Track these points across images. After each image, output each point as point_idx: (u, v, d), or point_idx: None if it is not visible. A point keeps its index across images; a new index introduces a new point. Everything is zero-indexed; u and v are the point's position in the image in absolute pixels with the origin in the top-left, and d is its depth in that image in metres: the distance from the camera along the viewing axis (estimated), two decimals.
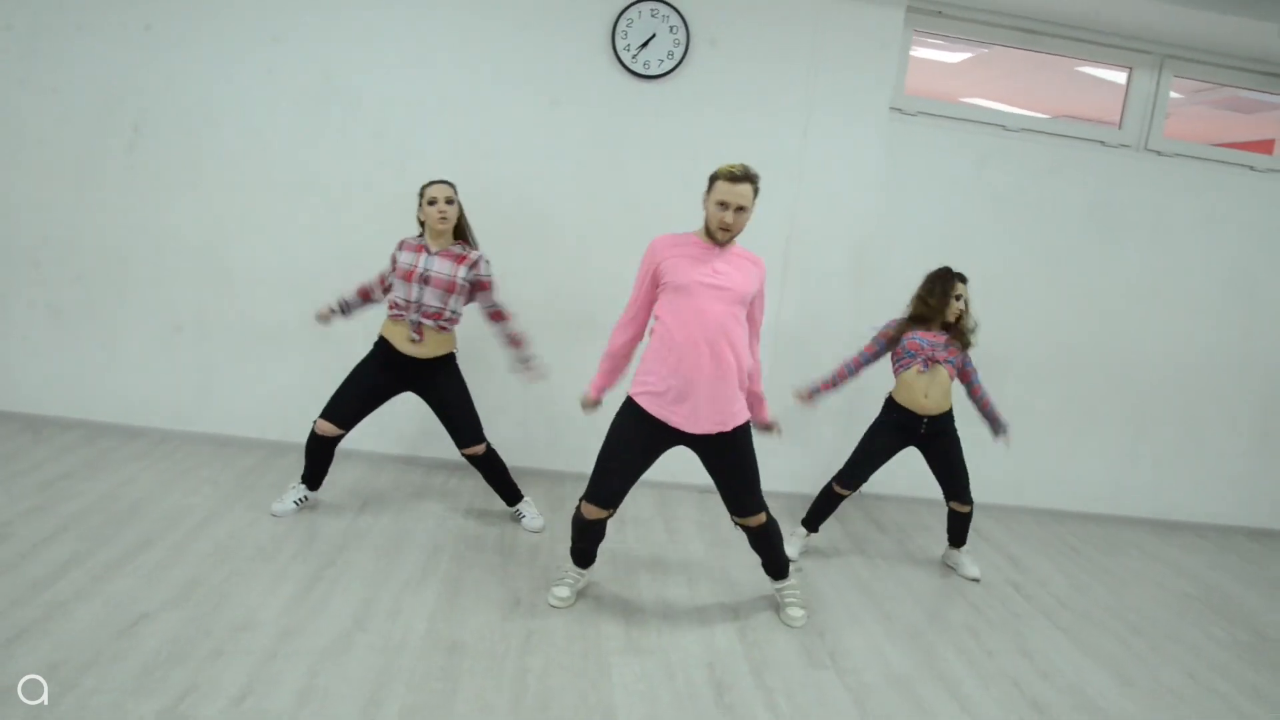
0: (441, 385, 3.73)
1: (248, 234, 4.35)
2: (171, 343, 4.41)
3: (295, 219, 4.36)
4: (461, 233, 3.70)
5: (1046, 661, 3.36)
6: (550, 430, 4.65)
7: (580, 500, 3.24)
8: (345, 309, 3.80)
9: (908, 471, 4.84)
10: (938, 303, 3.84)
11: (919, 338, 3.85)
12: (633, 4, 4.24)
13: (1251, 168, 4.85)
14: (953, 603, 3.79)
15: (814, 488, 4.38)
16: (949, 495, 4.02)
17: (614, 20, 4.27)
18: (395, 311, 3.64)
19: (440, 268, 3.59)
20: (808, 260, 4.61)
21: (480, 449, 3.82)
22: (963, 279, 3.88)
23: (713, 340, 3.01)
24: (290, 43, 4.25)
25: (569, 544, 3.40)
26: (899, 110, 4.60)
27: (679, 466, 4.64)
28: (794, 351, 4.65)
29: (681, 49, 4.31)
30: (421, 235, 3.68)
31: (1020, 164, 4.72)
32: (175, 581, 3.08)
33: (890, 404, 3.99)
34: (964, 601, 3.81)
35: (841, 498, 4.02)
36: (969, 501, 4.01)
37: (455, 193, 3.63)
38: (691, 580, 3.67)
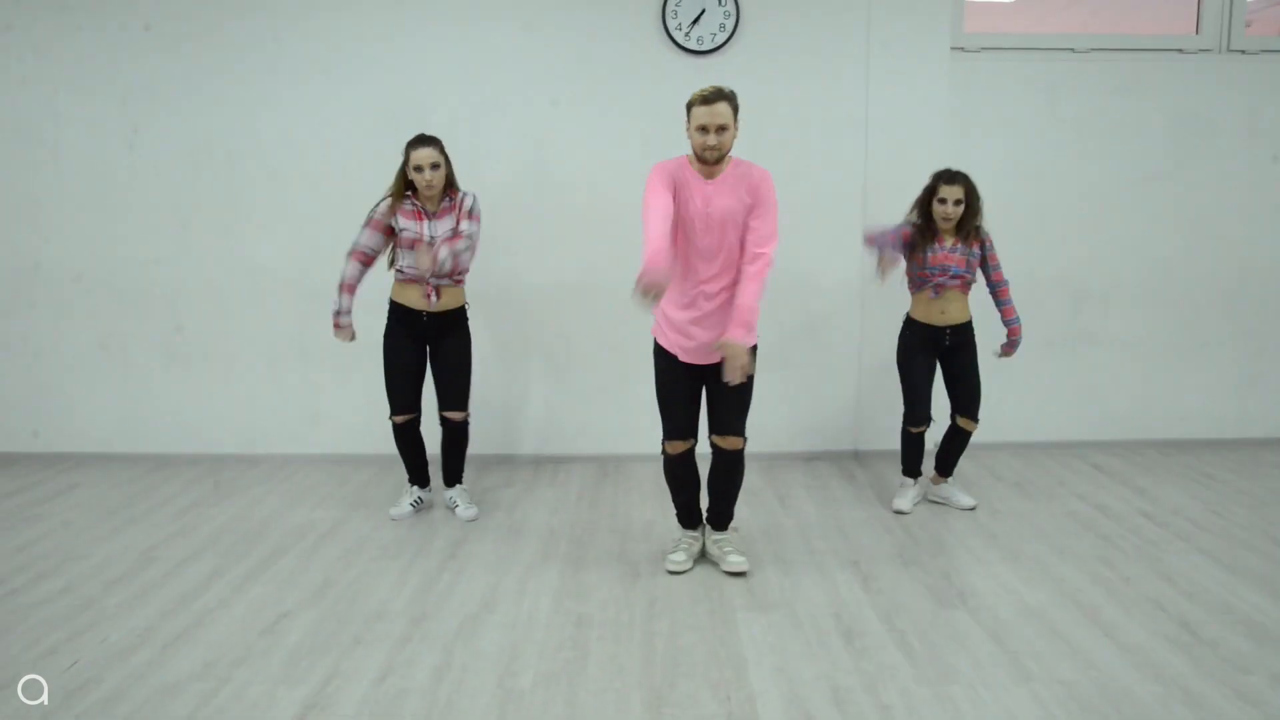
0: (450, 341, 3.76)
1: (335, 258, 4.52)
2: (278, 372, 4.61)
3: None
4: (450, 181, 3.66)
5: (1190, 583, 3.22)
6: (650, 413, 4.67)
7: (662, 444, 3.29)
8: (347, 309, 3.75)
9: (1017, 418, 4.74)
10: (922, 214, 3.77)
11: (930, 258, 3.74)
12: None
13: None
14: (1080, 538, 3.65)
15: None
16: (959, 409, 3.90)
17: (663, 2, 4.31)
18: (405, 276, 3.67)
19: (444, 228, 3.62)
20: (887, 212, 4.53)
21: (461, 416, 3.84)
22: (949, 179, 3.70)
23: (706, 278, 3.09)
24: (357, 72, 4.42)
25: (674, 514, 3.44)
26: (961, 49, 4.51)
27: (784, 437, 4.67)
28: (883, 309, 4.57)
29: (733, 20, 4.32)
30: (410, 196, 3.63)
31: (1095, 86, 4.56)
32: (309, 584, 3.22)
33: (909, 322, 3.92)
34: (1093, 535, 3.68)
35: (920, 434, 3.95)
36: (976, 420, 3.90)
37: (440, 152, 3.58)
38: (808, 539, 3.64)
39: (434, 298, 3.67)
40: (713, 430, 3.27)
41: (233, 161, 4.49)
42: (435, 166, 3.55)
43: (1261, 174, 4.67)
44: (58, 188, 4.52)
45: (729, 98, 3.00)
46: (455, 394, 3.81)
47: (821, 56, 4.42)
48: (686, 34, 4.33)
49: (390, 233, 3.67)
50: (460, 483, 4.00)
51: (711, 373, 3.16)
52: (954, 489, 4.03)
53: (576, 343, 4.63)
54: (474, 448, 4.04)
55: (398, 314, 3.75)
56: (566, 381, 4.67)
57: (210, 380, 4.63)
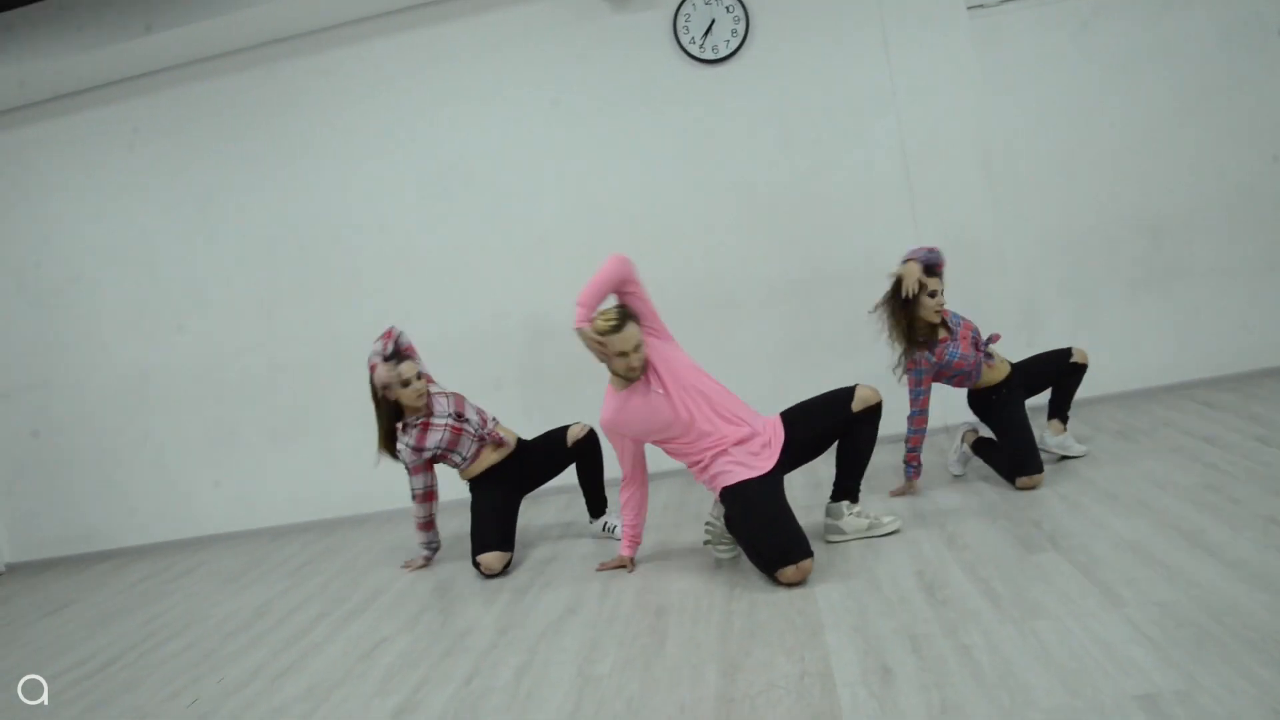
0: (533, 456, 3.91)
1: (412, 321, 4.77)
2: (373, 432, 4.86)
3: (441, 290, 4.77)
4: None
5: None
6: None
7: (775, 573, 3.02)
8: (433, 546, 3.93)
9: (1114, 369, 4.52)
10: (908, 314, 3.56)
11: (946, 358, 3.59)
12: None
13: None
14: (1186, 470, 3.44)
15: None
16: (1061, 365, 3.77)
17: (673, 19, 4.46)
18: (470, 463, 3.81)
19: (449, 407, 3.77)
20: (933, 187, 4.49)
21: (580, 428, 3.88)
22: (930, 271, 3.52)
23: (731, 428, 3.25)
24: (407, 139, 4.73)
25: None
26: (979, 5, 4.46)
27: None
28: (952, 280, 4.47)
29: (743, 25, 4.42)
30: (402, 422, 3.76)
31: (1128, 16, 4.41)
32: (405, 614, 3.36)
33: (972, 397, 3.83)
34: (1200, 465, 3.46)
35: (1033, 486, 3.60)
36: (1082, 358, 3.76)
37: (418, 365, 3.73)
38: (893, 509, 3.56)
39: (501, 443, 3.84)
40: (854, 398, 3.24)
41: (304, 242, 4.84)
42: (419, 376, 3.70)
43: None
44: (157, 295, 4.97)
45: (630, 318, 3.09)
46: (559, 433, 3.89)
47: (838, 43, 4.45)
48: (700, 45, 4.45)
49: (431, 464, 3.81)
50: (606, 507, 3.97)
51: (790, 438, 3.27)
52: (1067, 438, 3.82)
53: None
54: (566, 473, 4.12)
55: (485, 480, 3.84)
56: None
57: (312, 451, 4.92)
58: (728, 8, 4.41)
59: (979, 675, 2.22)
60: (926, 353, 3.58)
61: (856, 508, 3.33)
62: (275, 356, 4.91)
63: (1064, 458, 3.81)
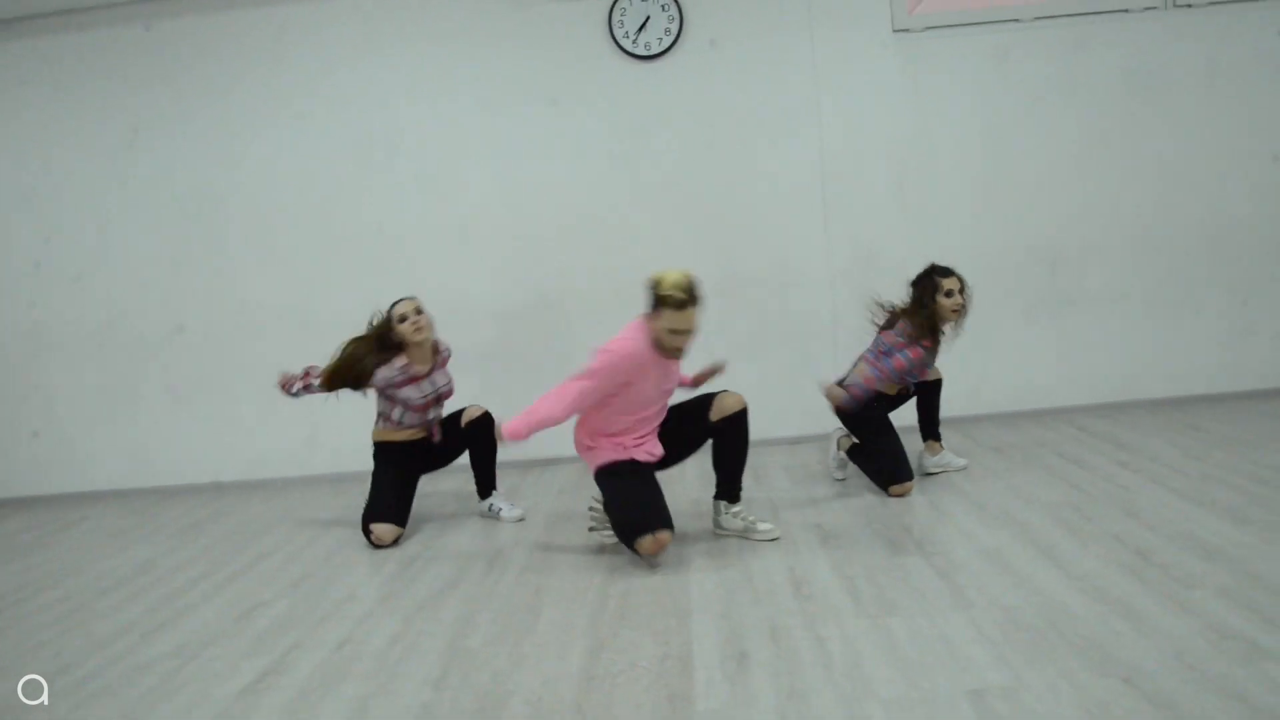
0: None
1: (326, 286, 4.75)
2: (276, 399, 4.81)
3: (357, 264, 4.74)
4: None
5: (1154, 517, 3.20)
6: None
7: (641, 542, 3.14)
8: (305, 388, 3.86)
9: (1001, 388, 4.74)
10: (930, 308, 3.73)
11: (901, 357, 3.73)
12: None
13: None
14: (1051, 486, 3.65)
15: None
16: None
17: (609, 12, 4.52)
18: (404, 427, 3.79)
19: (442, 378, 3.81)
20: (848, 199, 4.65)
21: (479, 409, 3.90)
22: (946, 272, 3.75)
23: (649, 417, 3.36)
24: (335, 104, 4.69)
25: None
26: (905, 30, 4.62)
27: (765, 424, 4.72)
28: (846, 289, 4.65)
29: (677, 25, 4.50)
30: (396, 359, 3.67)
31: (1045, 51, 4.63)
32: (288, 578, 3.37)
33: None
34: (1064, 484, 3.67)
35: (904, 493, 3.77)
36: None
37: (419, 303, 3.72)
38: (776, 509, 3.69)
39: (438, 437, 3.88)
40: (713, 406, 3.31)
41: (220, 202, 4.76)
42: (419, 311, 3.68)
43: (1225, 121, 4.67)
44: (61, 243, 4.83)
45: (700, 301, 3.13)
46: (454, 414, 3.91)
47: (767, 52, 4.57)
48: (634, 41, 4.52)
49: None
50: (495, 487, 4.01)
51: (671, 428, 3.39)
52: (945, 455, 4.02)
53: (547, 349, 4.75)
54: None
55: (391, 448, 3.81)
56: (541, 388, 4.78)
57: (210, 413, 4.86)
58: (663, 6, 4.48)
59: (829, 665, 2.35)
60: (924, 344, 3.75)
61: (735, 508, 3.42)
62: (179, 315, 4.82)
63: (946, 471, 4.00)
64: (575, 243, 4.67)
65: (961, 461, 4.02)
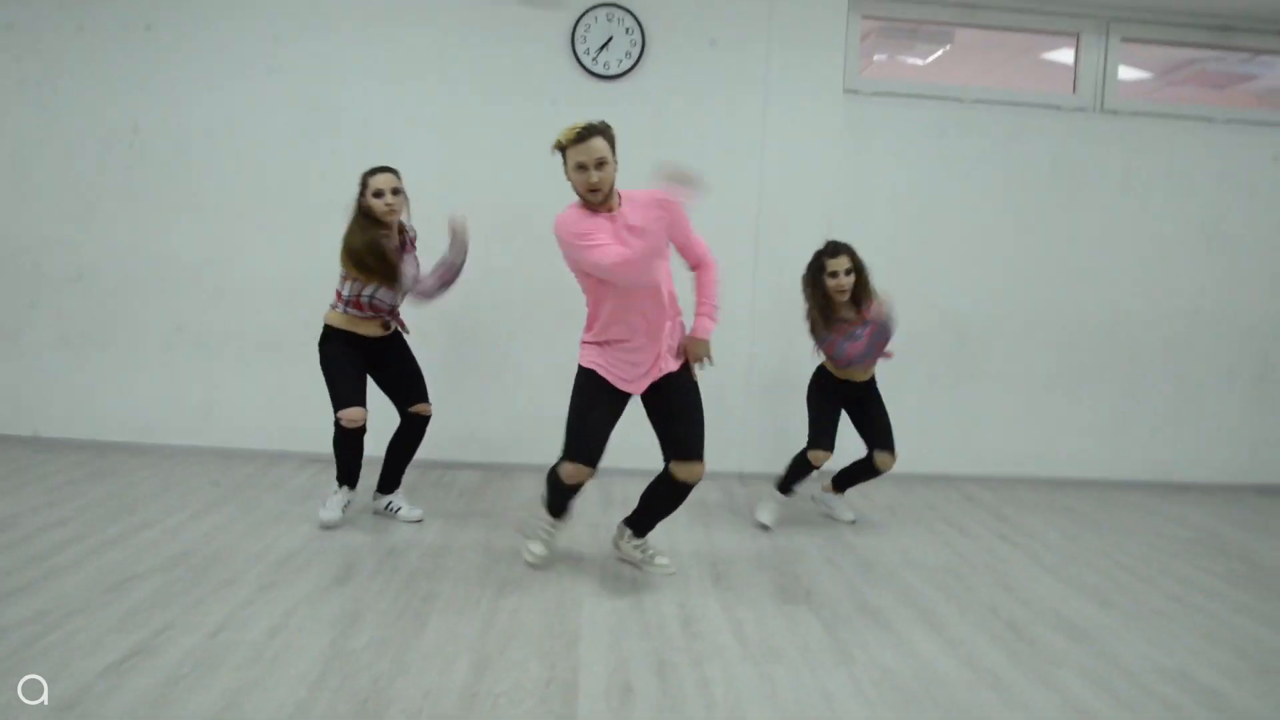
0: (396, 352, 3.74)
1: (241, 254, 4.60)
2: (174, 361, 4.64)
3: (287, 232, 4.59)
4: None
5: (1027, 592, 3.37)
6: (539, 428, 4.75)
7: (559, 462, 3.16)
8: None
9: (902, 450, 4.89)
10: (816, 294, 3.78)
11: (835, 342, 3.77)
12: (589, 9, 4.50)
13: (1209, 120, 4.93)
14: (935, 551, 3.80)
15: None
16: (876, 444, 3.94)
17: (573, 26, 4.53)
18: (363, 313, 3.58)
19: (412, 267, 3.60)
20: (778, 244, 4.74)
21: (429, 409, 3.78)
22: (833, 252, 3.74)
23: (644, 307, 3.05)
24: (284, 69, 4.55)
25: (544, 500, 3.41)
26: (854, 91, 4.77)
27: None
28: (767, 332, 4.75)
29: (638, 48, 4.54)
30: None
31: (980, 133, 4.85)
32: (166, 554, 3.23)
33: (822, 369, 4.03)
34: (948, 550, 3.82)
35: (814, 466, 3.93)
36: (893, 453, 3.92)
37: (401, 180, 3.54)
38: (672, 542, 3.72)
39: (387, 330, 3.67)
40: (675, 455, 3.15)
41: (145, 145, 4.56)
42: (396, 192, 3.50)
43: (1132, 226, 4.97)
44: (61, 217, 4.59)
45: (602, 131, 2.92)
46: (419, 388, 3.75)
47: (722, 88, 4.65)
48: (594, 59, 4.54)
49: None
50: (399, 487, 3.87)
51: (661, 395, 3.15)
52: (840, 501, 4.16)
53: (466, 354, 4.72)
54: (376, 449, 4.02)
55: (344, 338, 3.59)
56: (461, 389, 4.74)
57: (101, 367, 4.63)
58: (627, 29, 4.51)
59: (711, 706, 2.39)
60: (828, 335, 3.78)
61: (637, 541, 3.41)
62: (83, 260, 4.59)
63: (830, 517, 4.14)
64: (505, 245, 4.63)
65: (850, 516, 4.14)
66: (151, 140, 4.56)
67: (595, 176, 2.88)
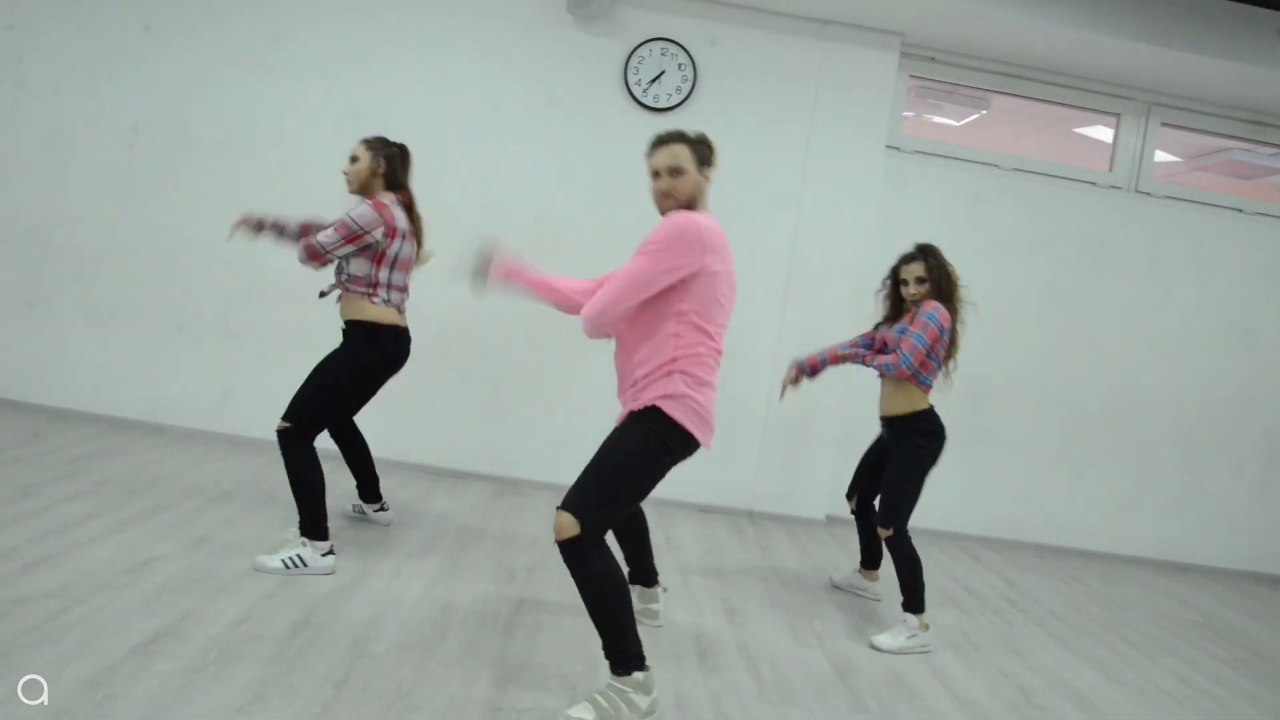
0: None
1: (268, 246, 4.60)
2: (196, 346, 4.64)
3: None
4: (368, 186, 3.34)
5: (1035, 659, 3.38)
6: (552, 443, 4.77)
7: (595, 547, 2.43)
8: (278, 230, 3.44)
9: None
10: (890, 296, 3.62)
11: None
12: (645, 42, 4.57)
13: (1240, 211, 5.02)
14: (943, 609, 3.81)
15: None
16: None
17: (626, 57, 4.60)
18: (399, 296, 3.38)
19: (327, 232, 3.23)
20: (808, 290, 4.80)
21: (281, 425, 3.20)
22: (906, 259, 3.51)
23: (620, 342, 2.74)
24: (330, 75, 4.60)
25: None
26: (895, 148, 4.85)
27: (680, 486, 4.79)
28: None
29: (689, 84, 4.61)
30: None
31: (1014, 201, 4.93)
32: (186, 537, 3.22)
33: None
34: (955, 609, 3.84)
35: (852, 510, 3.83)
36: (886, 524, 3.39)
37: (368, 149, 3.32)
38: (685, 574, 3.74)
39: (328, 295, 3.40)
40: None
41: (184, 135, 4.59)
42: (353, 160, 3.32)
43: (1155, 307, 5.04)
44: (9, 124, 4.57)
45: (691, 141, 2.64)
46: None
47: (766, 132, 4.72)
48: (644, 90, 4.60)
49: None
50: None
51: None
52: (875, 584, 3.85)
53: (495, 366, 4.73)
54: (377, 451, 4.00)
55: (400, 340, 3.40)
56: (476, 401, 4.75)
57: (125, 344, 4.63)
58: (680, 65, 4.59)
59: None
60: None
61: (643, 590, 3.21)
62: (115, 233, 4.59)
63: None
64: (535, 256, 4.64)
65: (879, 591, 3.88)
66: (194, 128, 4.59)
67: (665, 184, 2.61)
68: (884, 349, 3.59)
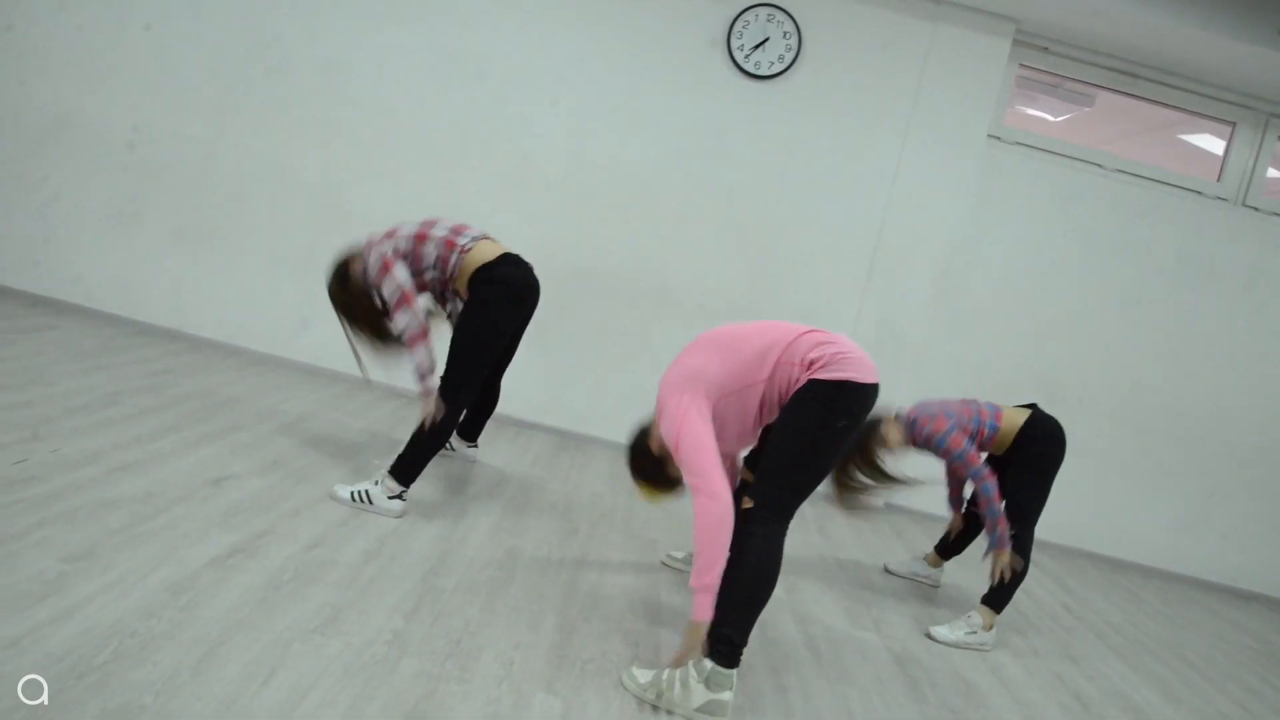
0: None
1: (367, 180, 4.65)
2: (278, 272, 4.70)
3: (412, 170, 4.63)
4: None
5: (1093, 668, 3.32)
6: (620, 401, 4.77)
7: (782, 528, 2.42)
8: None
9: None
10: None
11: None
12: (750, 7, 4.49)
13: None
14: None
15: None
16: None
17: (730, 21, 4.52)
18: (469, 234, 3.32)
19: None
20: (891, 274, 4.71)
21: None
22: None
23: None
24: (435, 26, 4.58)
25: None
26: (996, 138, 4.72)
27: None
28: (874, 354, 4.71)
29: (793, 54, 4.52)
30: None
31: (1112, 205, 4.78)
32: (261, 459, 3.27)
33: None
34: (1013, 611, 3.76)
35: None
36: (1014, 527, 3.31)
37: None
38: None
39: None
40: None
41: (286, 63, 4.62)
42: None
43: (1248, 328, 4.87)
44: (117, 37, 4.63)
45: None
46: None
47: (867, 110, 4.61)
48: (747, 57, 4.52)
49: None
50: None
51: None
52: (939, 571, 3.82)
53: (563, 320, 4.73)
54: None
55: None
56: (547, 355, 4.76)
57: (211, 264, 4.71)
58: (785, 33, 4.49)
59: (788, 715, 2.38)
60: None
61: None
62: (214, 162, 4.65)
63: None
64: (618, 223, 4.65)
65: (938, 579, 3.86)
66: (296, 60, 4.61)
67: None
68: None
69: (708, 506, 2.28)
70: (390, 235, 3.23)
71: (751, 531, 2.33)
